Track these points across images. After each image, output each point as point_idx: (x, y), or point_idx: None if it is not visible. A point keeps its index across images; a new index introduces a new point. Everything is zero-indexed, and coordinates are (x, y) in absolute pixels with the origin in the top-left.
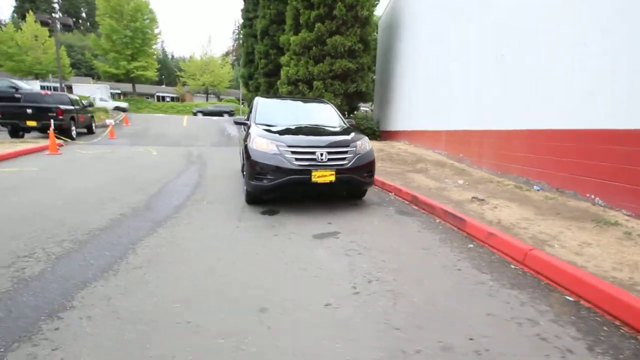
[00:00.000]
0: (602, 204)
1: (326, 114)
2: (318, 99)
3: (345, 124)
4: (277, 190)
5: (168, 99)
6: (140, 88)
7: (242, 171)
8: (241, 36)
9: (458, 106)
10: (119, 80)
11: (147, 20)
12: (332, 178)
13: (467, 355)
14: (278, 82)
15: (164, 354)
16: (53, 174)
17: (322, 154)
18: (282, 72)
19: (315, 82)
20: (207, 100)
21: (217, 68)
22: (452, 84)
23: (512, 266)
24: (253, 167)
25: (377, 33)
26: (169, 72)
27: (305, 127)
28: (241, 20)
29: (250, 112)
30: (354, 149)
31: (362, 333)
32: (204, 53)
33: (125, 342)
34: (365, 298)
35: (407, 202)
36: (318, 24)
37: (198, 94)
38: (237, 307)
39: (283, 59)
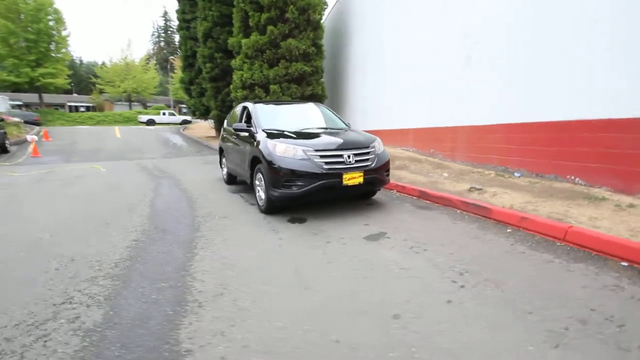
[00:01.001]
0: (583, 183)
1: (326, 116)
2: (309, 101)
3: (345, 124)
4: (305, 197)
5: (82, 109)
6: (49, 98)
7: (251, 181)
8: (178, 39)
9: (426, 106)
10: (17, 90)
11: (52, 22)
12: (361, 179)
13: (603, 324)
14: (230, 87)
15: None
16: (5, 203)
17: (349, 156)
18: (235, 76)
19: (271, 86)
20: (130, 108)
21: (139, 73)
22: (418, 86)
23: (558, 244)
24: (279, 175)
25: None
26: (78, 78)
27: (316, 130)
28: (162, 22)
29: (241, 118)
30: (374, 149)
31: (507, 322)
32: (123, 57)
33: None
34: (474, 290)
35: (415, 197)
36: (270, 27)
37: (119, 102)
38: (370, 318)
39: (234, 63)
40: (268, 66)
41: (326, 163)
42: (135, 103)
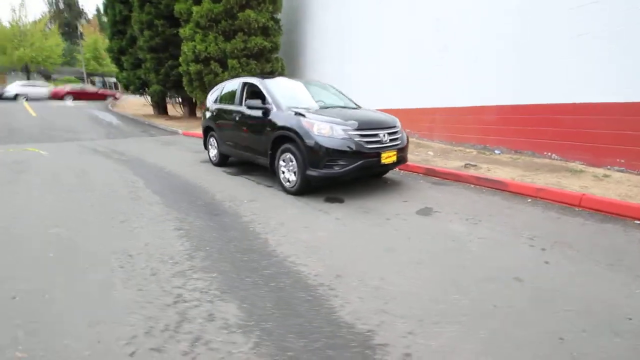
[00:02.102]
0: (558, 158)
1: (335, 93)
2: (315, 80)
3: (355, 103)
4: (346, 176)
5: None
6: None
7: (271, 162)
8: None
9: (400, 88)
10: None
11: None
12: (395, 158)
13: None
14: (180, 59)
15: None
16: None
17: (384, 135)
18: (186, 47)
19: (230, 61)
20: (28, 79)
21: (38, 40)
22: (392, 69)
23: (577, 209)
24: (320, 154)
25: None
26: None
27: (336, 107)
28: None
29: (243, 96)
30: (399, 128)
31: (604, 275)
32: (15, 19)
33: None
34: (555, 252)
35: (422, 175)
36: None
37: (13, 73)
38: (497, 283)
39: (184, 32)
40: (224, 38)
41: (366, 142)
42: (35, 75)
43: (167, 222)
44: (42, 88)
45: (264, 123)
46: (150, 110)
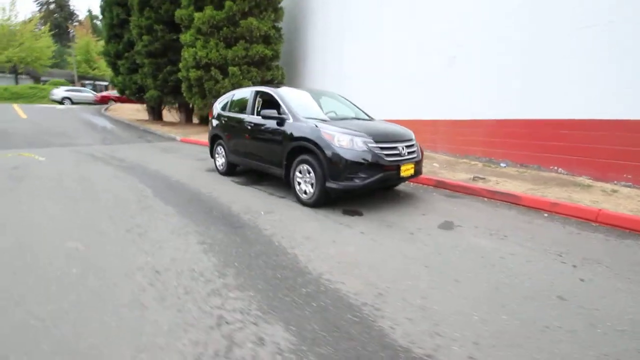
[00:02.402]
0: (565, 172)
1: (349, 105)
2: (326, 90)
3: (367, 114)
4: (365, 189)
5: None
6: None
7: (286, 173)
8: (100, 3)
9: (403, 100)
10: None
11: None
12: (412, 171)
13: None
14: (180, 65)
15: None
16: None
17: (402, 148)
18: (187, 53)
19: (230, 68)
20: (16, 83)
21: (28, 40)
22: (397, 79)
23: (594, 224)
24: (341, 166)
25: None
26: None
27: (350, 118)
28: None
29: (255, 105)
30: (415, 140)
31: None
32: (5, 18)
33: None
34: (586, 268)
35: (432, 187)
36: (228, 2)
37: (1, 75)
38: (538, 301)
39: (184, 38)
40: (225, 45)
41: (386, 155)
42: (23, 76)
43: (189, 235)
44: (86, 93)
45: (278, 133)
46: (144, 115)
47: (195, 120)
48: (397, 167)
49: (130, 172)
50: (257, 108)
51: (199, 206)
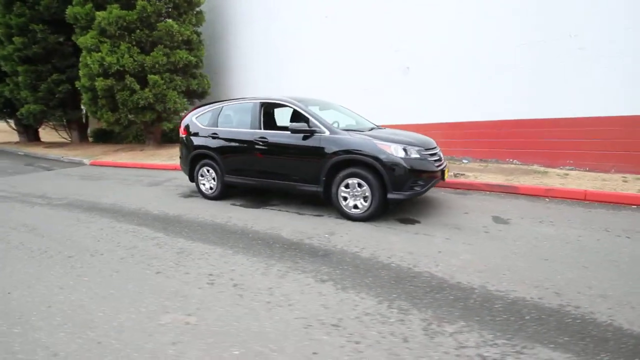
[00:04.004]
0: (520, 163)
1: (357, 115)
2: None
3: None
4: (419, 196)
5: None
6: None
7: (325, 189)
8: None
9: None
10: None
11: None
12: (447, 174)
13: None
14: (80, 72)
15: None
16: None
17: (440, 154)
18: (90, 59)
19: (151, 77)
20: None
21: None
22: (346, 86)
23: (586, 202)
24: (404, 176)
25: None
26: None
27: (372, 128)
28: None
29: (262, 119)
30: None
31: None
32: None
33: None
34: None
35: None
36: (141, 2)
37: None
38: None
39: (84, 40)
40: (139, 50)
41: (435, 161)
42: None
43: (299, 276)
44: None
45: (310, 148)
46: (11, 136)
47: (90, 138)
48: (442, 172)
49: (88, 212)
50: (261, 122)
51: (246, 240)
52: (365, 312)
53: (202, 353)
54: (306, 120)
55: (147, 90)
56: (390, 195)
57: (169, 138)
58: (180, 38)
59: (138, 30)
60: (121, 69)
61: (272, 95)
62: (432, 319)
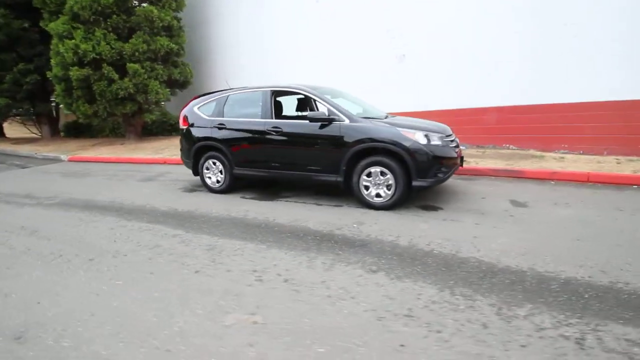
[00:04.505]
0: (516, 148)
1: (365, 103)
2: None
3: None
4: (442, 182)
5: None
6: None
7: (345, 179)
8: None
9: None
10: None
11: None
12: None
13: None
14: (52, 61)
15: None
16: None
17: (457, 140)
18: (63, 47)
19: (130, 65)
20: None
21: None
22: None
23: (590, 184)
24: (429, 163)
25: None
26: None
27: (387, 115)
28: None
29: (272, 108)
30: None
31: None
32: None
33: None
34: None
35: None
36: None
37: None
38: None
39: (55, 26)
40: (117, 37)
41: (454, 147)
42: None
43: (338, 268)
44: None
45: (329, 137)
46: None
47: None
48: (462, 158)
49: (87, 210)
50: (270, 111)
51: (274, 234)
52: (431, 301)
53: (286, 353)
54: (323, 108)
55: (126, 80)
56: (415, 183)
57: (149, 130)
58: (161, 24)
59: (115, 16)
60: (98, 57)
61: (281, 83)
62: (500, 304)
